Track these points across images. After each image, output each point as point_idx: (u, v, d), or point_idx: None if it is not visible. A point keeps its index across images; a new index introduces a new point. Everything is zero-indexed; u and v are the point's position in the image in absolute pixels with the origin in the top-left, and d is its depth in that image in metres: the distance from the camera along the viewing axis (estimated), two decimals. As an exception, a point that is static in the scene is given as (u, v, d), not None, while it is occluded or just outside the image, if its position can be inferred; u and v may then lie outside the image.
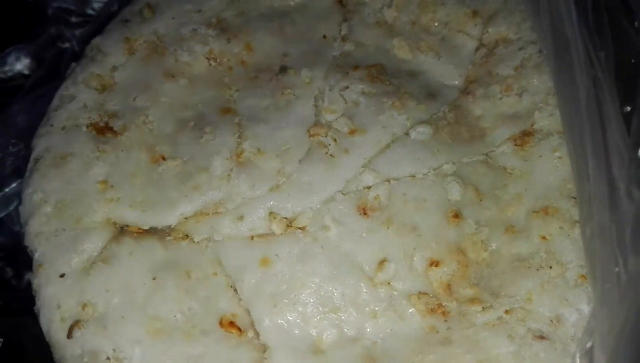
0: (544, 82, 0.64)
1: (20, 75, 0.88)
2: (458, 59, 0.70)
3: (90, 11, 0.90)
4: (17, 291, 0.71)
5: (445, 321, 0.56)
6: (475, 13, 0.70)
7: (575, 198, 0.58)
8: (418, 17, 0.72)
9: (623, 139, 0.48)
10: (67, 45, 0.85)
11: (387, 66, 0.69)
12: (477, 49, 0.70)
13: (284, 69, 0.68)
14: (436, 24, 0.71)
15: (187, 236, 0.60)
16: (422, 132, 0.63)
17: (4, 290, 0.72)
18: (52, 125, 0.66)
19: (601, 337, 0.46)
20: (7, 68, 0.87)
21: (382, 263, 0.57)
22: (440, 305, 0.56)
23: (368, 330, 0.56)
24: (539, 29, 0.58)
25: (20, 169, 0.70)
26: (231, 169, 0.62)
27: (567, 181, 0.59)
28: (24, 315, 0.62)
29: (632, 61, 0.51)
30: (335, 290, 0.56)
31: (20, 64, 0.87)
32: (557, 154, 0.61)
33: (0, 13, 0.88)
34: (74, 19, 0.90)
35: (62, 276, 0.58)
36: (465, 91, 0.68)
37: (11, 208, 0.73)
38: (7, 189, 0.72)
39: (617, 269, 0.45)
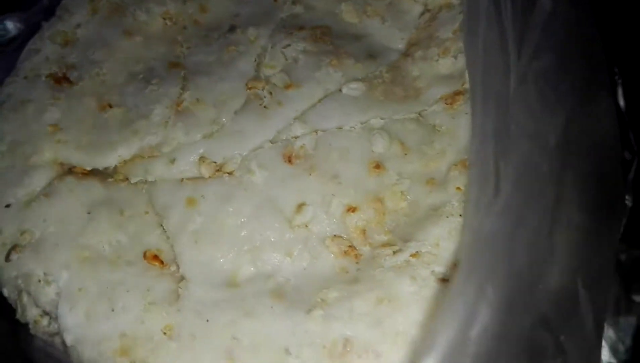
0: (478, 44, 0.66)
1: (12, 40, 0.95)
2: (403, 23, 0.72)
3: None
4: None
5: (357, 263, 0.58)
6: (420, -21, 0.72)
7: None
8: (367, -17, 0.74)
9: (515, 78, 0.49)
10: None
11: (333, 28, 0.72)
12: (422, 13, 0.72)
13: (232, 28, 0.72)
14: (384, -11, 0.74)
15: (126, 178, 0.64)
16: (354, 88, 0.66)
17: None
18: (17, 75, 0.72)
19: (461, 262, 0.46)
20: (1, 32, 0.94)
21: (301, 206, 0.60)
22: (353, 248, 0.58)
23: (283, 268, 0.58)
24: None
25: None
26: (169, 117, 0.65)
27: (488, 136, 0.61)
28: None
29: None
30: (255, 230, 0.59)
31: (15, 30, 0.94)
32: (482, 111, 0.62)
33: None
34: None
35: (7, 206, 0.62)
36: (405, 53, 0.70)
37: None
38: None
39: (491, 198, 0.46)
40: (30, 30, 0.89)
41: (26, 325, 0.60)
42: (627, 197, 0.64)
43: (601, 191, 0.51)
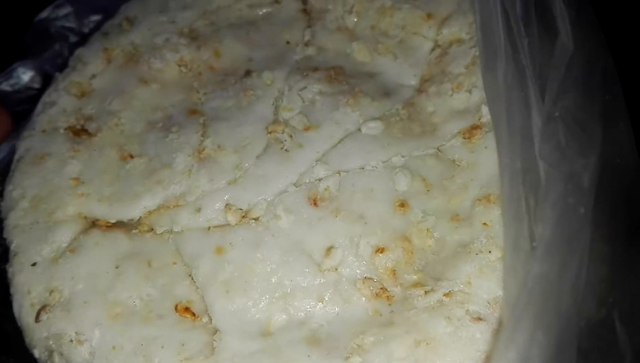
0: (492, 78, 0.67)
1: (27, 87, 0.95)
2: (414, 59, 0.73)
3: (86, 30, 0.97)
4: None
5: (389, 305, 0.58)
6: (429, 16, 0.73)
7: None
8: (377, 21, 0.75)
9: (541, 119, 0.51)
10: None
11: (346, 68, 0.73)
12: (433, 49, 0.73)
13: (248, 73, 0.72)
14: (394, 27, 0.75)
15: (151, 229, 0.64)
16: (373, 127, 0.66)
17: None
18: (34, 128, 0.72)
19: (508, 306, 0.47)
20: (13, 81, 0.95)
21: (329, 250, 0.60)
22: (384, 290, 0.59)
23: (315, 314, 0.58)
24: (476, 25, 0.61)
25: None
26: (192, 165, 0.66)
27: (510, 170, 0.61)
28: (6, 307, 0.66)
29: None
30: (285, 276, 0.59)
31: (26, 77, 0.94)
32: (502, 145, 0.63)
33: (7, 31, 0.96)
34: (72, 38, 0.97)
35: (33, 264, 0.62)
36: (419, 89, 0.71)
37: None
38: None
39: (531, 243, 0.47)
40: (43, 79, 0.91)
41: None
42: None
43: (628, 219, 0.51)
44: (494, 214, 0.59)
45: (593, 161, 0.47)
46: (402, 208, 0.62)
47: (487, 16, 0.59)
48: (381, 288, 0.59)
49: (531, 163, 0.51)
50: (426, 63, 0.73)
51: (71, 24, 0.95)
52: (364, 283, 0.59)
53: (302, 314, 0.58)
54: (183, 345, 0.56)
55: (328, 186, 0.63)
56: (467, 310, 0.55)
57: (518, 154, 0.52)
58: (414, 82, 0.72)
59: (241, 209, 0.63)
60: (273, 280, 0.59)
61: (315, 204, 0.62)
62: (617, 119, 0.54)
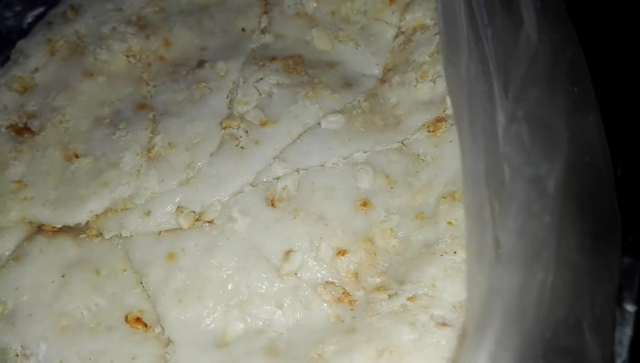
0: (457, 67, 0.64)
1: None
2: (376, 47, 0.70)
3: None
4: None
5: (352, 310, 0.55)
6: (392, 1, 0.69)
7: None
8: (337, 6, 0.71)
9: (505, 116, 0.48)
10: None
11: (306, 56, 0.69)
12: (396, 36, 0.70)
13: (201, 63, 0.68)
14: (355, 13, 0.71)
15: (100, 234, 0.60)
16: (333, 121, 0.63)
17: None
18: (-27, 128, 0.67)
19: (472, 319, 0.45)
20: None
21: (288, 253, 0.57)
22: (346, 294, 0.56)
23: (274, 322, 0.55)
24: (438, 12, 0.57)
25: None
26: (141, 165, 0.62)
27: (475, 166, 0.59)
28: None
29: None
30: (242, 282, 0.56)
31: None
32: (466, 138, 0.60)
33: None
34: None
35: (-26, 276, 0.58)
36: (382, 79, 0.68)
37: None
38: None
39: (496, 250, 0.45)
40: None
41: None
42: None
43: (596, 223, 0.49)
44: (459, 213, 0.57)
45: (559, 164, 0.45)
46: (365, 207, 0.59)
47: (449, 3, 0.55)
48: (343, 293, 0.56)
49: (496, 163, 0.48)
50: (389, 51, 0.69)
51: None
52: (325, 287, 0.56)
53: (261, 323, 0.55)
54: (134, 358, 0.53)
55: (286, 186, 0.59)
56: (432, 315, 0.53)
57: (481, 155, 0.49)
58: (376, 71, 0.69)
59: (194, 212, 0.59)
60: (229, 287, 0.56)
61: (272, 205, 0.59)
62: (586, 113, 0.51)
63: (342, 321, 0.55)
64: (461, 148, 0.52)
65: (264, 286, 0.56)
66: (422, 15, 0.68)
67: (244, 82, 0.66)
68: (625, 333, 0.61)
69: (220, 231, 0.58)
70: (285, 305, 0.56)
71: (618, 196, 0.61)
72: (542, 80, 0.48)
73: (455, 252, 0.55)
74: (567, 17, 0.53)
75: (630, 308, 0.61)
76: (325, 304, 0.56)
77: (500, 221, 0.45)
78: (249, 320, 0.55)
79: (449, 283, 0.54)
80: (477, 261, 0.45)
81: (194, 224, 0.59)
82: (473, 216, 0.47)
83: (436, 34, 0.66)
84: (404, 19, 0.69)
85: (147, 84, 0.69)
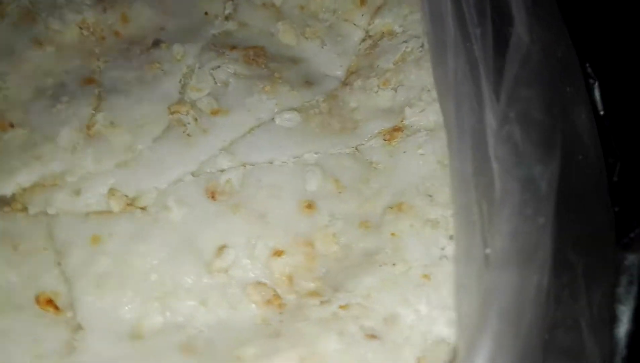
0: (420, 77, 0.62)
1: None
2: (342, 48, 0.68)
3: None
4: None
5: (280, 313, 0.52)
6: (363, 2, 0.68)
7: (431, 196, 0.56)
8: (307, 2, 0.69)
9: (495, 117, 0.47)
10: None
11: (268, 49, 0.66)
12: (363, 40, 0.68)
13: (157, 43, 0.65)
14: (324, 10, 0.69)
15: (25, 208, 0.56)
16: (288, 118, 0.60)
17: None
18: None
19: (462, 326, 0.44)
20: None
21: (221, 249, 0.54)
22: (277, 297, 0.53)
23: (196, 318, 0.52)
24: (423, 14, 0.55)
25: None
26: (78, 142, 0.58)
27: (426, 179, 0.57)
28: None
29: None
30: (167, 274, 0.53)
31: None
32: (420, 151, 0.58)
33: None
34: None
35: None
36: (344, 82, 0.65)
37: None
38: None
39: (484, 251, 0.44)
40: None
41: None
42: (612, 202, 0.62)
43: (591, 221, 0.49)
44: (403, 225, 0.55)
45: (552, 165, 0.44)
46: (309, 210, 0.56)
47: (436, 3, 0.54)
48: (274, 295, 0.53)
49: (484, 165, 0.47)
50: (355, 54, 0.67)
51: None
52: (255, 288, 0.53)
53: (181, 318, 0.52)
54: (38, 341, 0.49)
55: (230, 179, 0.56)
56: (362, 326, 0.50)
57: (469, 157, 0.48)
58: (339, 73, 0.67)
59: (127, 196, 0.56)
60: (152, 278, 0.53)
61: (213, 197, 0.56)
62: (579, 112, 0.51)
63: (269, 324, 0.52)
64: (449, 148, 0.51)
65: (190, 281, 0.53)
66: (392, 22, 0.67)
67: (199, 68, 0.63)
68: (625, 330, 0.59)
69: (153, 219, 0.55)
70: (210, 302, 0.52)
71: (618, 192, 0.61)
72: (534, 80, 0.47)
73: (394, 264, 0.53)
74: (559, 15, 0.53)
75: (631, 304, 0.59)
76: (253, 305, 0.53)
77: (492, 223, 0.44)
78: (168, 314, 0.52)
79: (384, 294, 0.51)
80: (465, 263, 0.44)
81: (126, 208, 0.55)
82: (460, 219, 0.47)
83: (403, 42, 0.65)
84: (373, 22, 0.67)
85: (98, 59, 0.65)
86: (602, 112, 0.63)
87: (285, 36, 0.68)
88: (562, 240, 0.44)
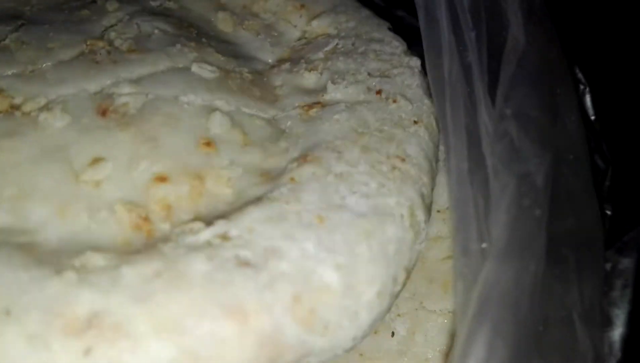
0: (348, 64, 0.62)
1: None
2: (277, 40, 0.68)
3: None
4: None
5: (146, 241, 0.45)
6: (302, 6, 0.70)
7: (340, 153, 0.52)
8: (250, 3, 0.71)
9: (489, 116, 0.49)
10: None
11: (204, 29, 0.67)
12: (299, 39, 0.69)
13: (94, 1, 0.65)
14: (265, 11, 0.71)
15: None
16: (207, 69, 0.58)
17: None
18: None
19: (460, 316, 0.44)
20: None
21: (97, 160, 0.48)
22: (149, 222, 0.46)
23: (48, 226, 0.44)
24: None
25: None
26: (-19, 51, 0.55)
27: (337, 138, 0.53)
28: None
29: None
30: (27, 174, 0.46)
31: None
32: (336, 117, 0.56)
33: None
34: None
35: None
36: (273, 65, 0.65)
37: None
38: None
39: (480, 245, 0.46)
40: None
41: None
42: (605, 206, 0.63)
43: (580, 219, 0.50)
44: (305, 172, 0.50)
45: (547, 160, 0.46)
46: (207, 148, 0.51)
47: (432, 6, 0.56)
48: (145, 219, 0.46)
49: (479, 162, 0.49)
50: (288, 47, 0.68)
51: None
52: (125, 206, 0.46)
53: (31, 224, 0.44)
54: None
55: (128, 102, 0.52)
56: (237, 254, 0.43)
57: (465, 154, 0.49)
58: (270, 60, 0.66)
59: (13, 97, 0.51)
60: (11, 176, 0.46)
61: (104, 114, 0.51)
62: (569, 113, 0.53)
63: (130, 245, 0.44)
64: (445, 148, 0.52)
65: (51, 186, 0.46)
66: (328, 25, 0.68)
67: (128, 20, 0.62)
68: (620, 333, 0.59)
69: (32, 121, 0.49)
70: (69, 212, 0.45)
71: (610, 196, 0.63)
72: (529, 80, 0.50)
73: (287, 202, 0.47)
74: (549, 18, 0.56)
75: (625, 307, 0.59)
76: (116, 225, 0.45)
77: (486, 215, 0.46)
78: (18, 216, 0.44)
79: (269, 227, 0.45)
80: (462, 255, 0.46)
81: (8, 109, 0.50)
82: (457, 214, 0.48)
83: (338, 39, 0.66)
84: (310, 25, 0.69)
85: (32, 7, 0.64)
86: (593, 117, 0.65)
87: (223, 24, 0.68)
88: (555, 233, 0.46)
